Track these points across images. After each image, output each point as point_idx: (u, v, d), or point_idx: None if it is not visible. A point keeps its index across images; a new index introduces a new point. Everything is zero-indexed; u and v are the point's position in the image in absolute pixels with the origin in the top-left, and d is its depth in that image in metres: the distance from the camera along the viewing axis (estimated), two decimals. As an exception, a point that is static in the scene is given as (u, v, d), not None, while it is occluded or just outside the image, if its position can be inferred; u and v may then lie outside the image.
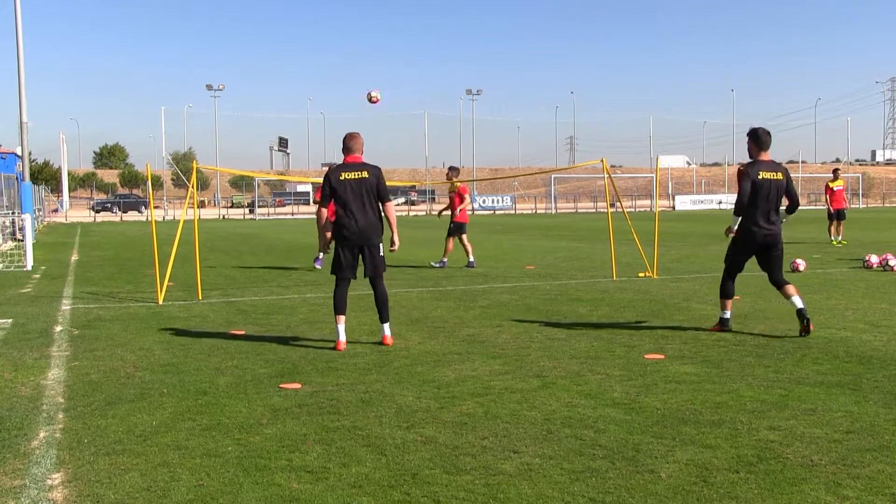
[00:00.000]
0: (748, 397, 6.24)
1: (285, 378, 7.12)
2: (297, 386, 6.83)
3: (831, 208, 22.96)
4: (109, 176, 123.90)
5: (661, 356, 7.78)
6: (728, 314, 9.19)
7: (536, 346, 8.41)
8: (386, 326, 8.58)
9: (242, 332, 9.48)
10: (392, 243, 8.51)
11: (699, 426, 5.51)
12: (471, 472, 4.68)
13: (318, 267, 16.72)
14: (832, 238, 22.95)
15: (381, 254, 8.49)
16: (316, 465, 4.85)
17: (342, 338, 8.36)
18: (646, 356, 7.80)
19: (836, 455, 4.89)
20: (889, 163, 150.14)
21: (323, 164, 21.74)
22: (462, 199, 17.13)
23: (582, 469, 4.71)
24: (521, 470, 4.71)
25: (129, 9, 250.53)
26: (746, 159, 9.12)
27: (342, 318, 8.45)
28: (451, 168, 17.93)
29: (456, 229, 17.02)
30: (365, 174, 8.37)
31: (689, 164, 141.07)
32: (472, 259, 17.00)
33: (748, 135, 9.05)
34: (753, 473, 4.61)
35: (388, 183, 8.58)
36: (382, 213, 8.52)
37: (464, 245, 17.06)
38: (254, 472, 4.75)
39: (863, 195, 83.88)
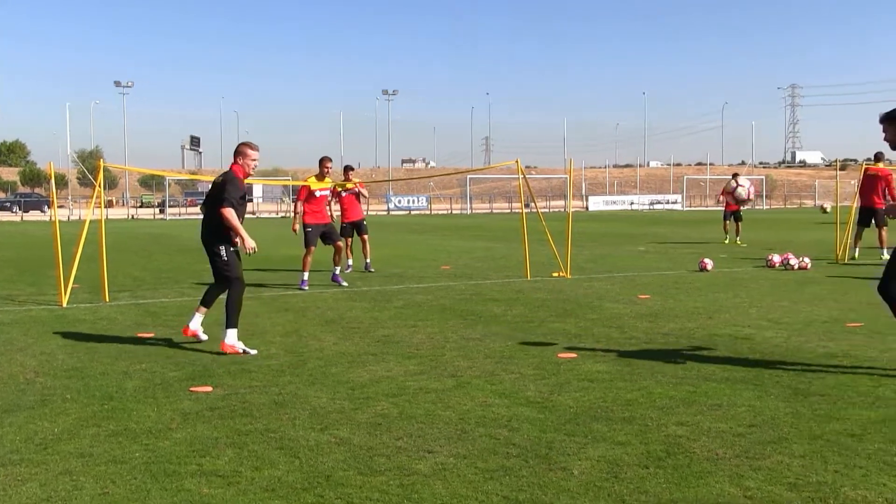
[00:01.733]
0: (658, 394, 6.37)
1: (196, 381, 7.00)
2: (209, 389, 6.71)
3: (727, 209, 24.12)
4: (9, 174, 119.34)
5: (574, 355, 7.89)
6: None
7: (451, 346, 8.44)
8: (228, 332, 8.21)
9: (152, 335, 9.28)
10: (238, 245, 8.51)
11: (610, 423, 5.61)
12: (385, 473, 4.68)
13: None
14: (727, 235, 24.15)
15: (223, 257, 8.43)
16: (227, 470, 4.78)
17: (189, 324, 8.65)
18: (559, 355, 7.89)
19: (740, 448, 5.03)
20: (789, 166, 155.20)
21: (348, 168, 18.71)
22: (361, 196, 16.37)
23: (496, 468, 4.74)
24: (435, 470, 4.72)
25: None
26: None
27: (202, 309, 8.67)
28: (349, 167, 16.52)
29: (363, 227, 16.29)
30: (219, 180, 8.58)
31: (824, 160, 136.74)
32: (368, 260, 16.43)
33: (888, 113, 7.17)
34: (662, 468, 4.71)
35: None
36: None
37: (365, 245, 16.30)
38: (162, 478, 4.64)
39: (766, 197, 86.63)
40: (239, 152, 8.55)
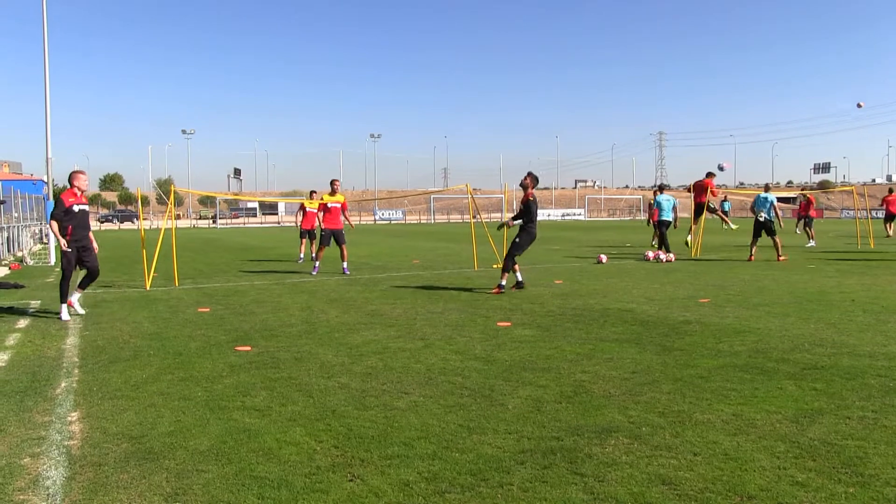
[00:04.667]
0: (568, 351, 6.38)
1: (239, 342, 6.89)
2: (248, 348, 6.62)
3: (653, 220, 22.84)
4: (111, 196, 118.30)
5: (509, 324, 7.89)
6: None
7: (420, 317, 8.41)
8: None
9: (208, 310, 9.13)
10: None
11: (535, 372, 5.61)
12: (374, 408, 4.64)
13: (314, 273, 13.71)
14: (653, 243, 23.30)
15: (63, 252, 8.47)
16: (262, 405, 4.72)
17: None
18: (498, 324, 7.88)
19: (625, 388, 5.06)
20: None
21: (312, 192, 17.86)
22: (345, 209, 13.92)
23: (453, 404, 4.73)
24: (410, 406, 4.70)
25: (124, 73, 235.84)
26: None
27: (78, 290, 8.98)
28: (336, 181, 14.04)
29: (343, 235, 13.76)
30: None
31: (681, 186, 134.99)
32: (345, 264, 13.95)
33: (533, 175, 10.66)
34: (571, 403, 4.72)
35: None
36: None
37: (343, 251, 13.80)
38: (217, 411, 4.60)
39: (642, 210, 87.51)
40: (70, 179, 8.47)
